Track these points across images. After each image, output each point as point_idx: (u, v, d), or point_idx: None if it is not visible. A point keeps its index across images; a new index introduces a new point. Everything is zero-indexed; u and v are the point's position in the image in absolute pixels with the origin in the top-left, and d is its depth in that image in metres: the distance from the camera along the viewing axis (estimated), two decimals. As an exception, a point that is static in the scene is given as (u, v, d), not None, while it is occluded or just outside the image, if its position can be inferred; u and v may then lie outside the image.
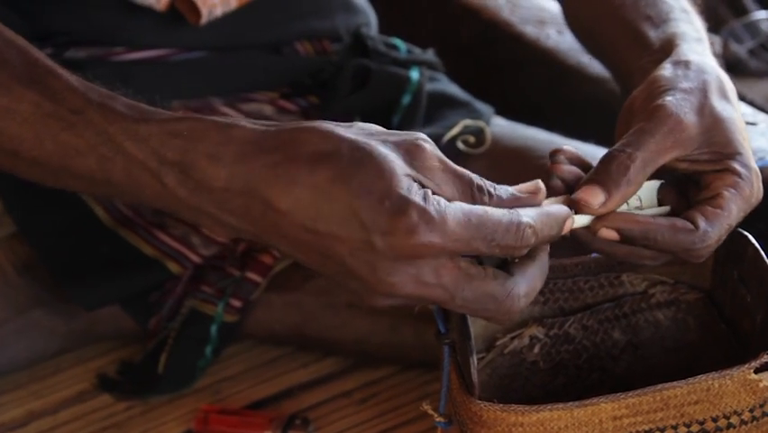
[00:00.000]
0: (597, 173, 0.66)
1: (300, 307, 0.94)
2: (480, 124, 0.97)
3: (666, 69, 0.72)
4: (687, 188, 0.70)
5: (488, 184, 0.62)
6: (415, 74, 0.99)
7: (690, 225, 0.66)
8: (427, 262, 0.58)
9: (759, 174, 0.70)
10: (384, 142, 0.60)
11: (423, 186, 0.59)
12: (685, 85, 0.70)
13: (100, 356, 0.97)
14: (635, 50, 0.78)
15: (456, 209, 0.59)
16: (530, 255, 0.62)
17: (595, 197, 0.65)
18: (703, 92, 0.70)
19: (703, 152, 0.69)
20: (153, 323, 0.94)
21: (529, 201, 0.62)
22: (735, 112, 0.71)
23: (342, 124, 0.61)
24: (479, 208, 0.60)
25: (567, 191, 0.67)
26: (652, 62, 0.73)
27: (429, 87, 1.00)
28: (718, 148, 0.69)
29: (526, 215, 0.61)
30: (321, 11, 0.99)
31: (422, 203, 0.58)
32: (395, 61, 1.00)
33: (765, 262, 0.68)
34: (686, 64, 0.72)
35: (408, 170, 0.59)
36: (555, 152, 0.69)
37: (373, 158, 0.59)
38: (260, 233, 0.61)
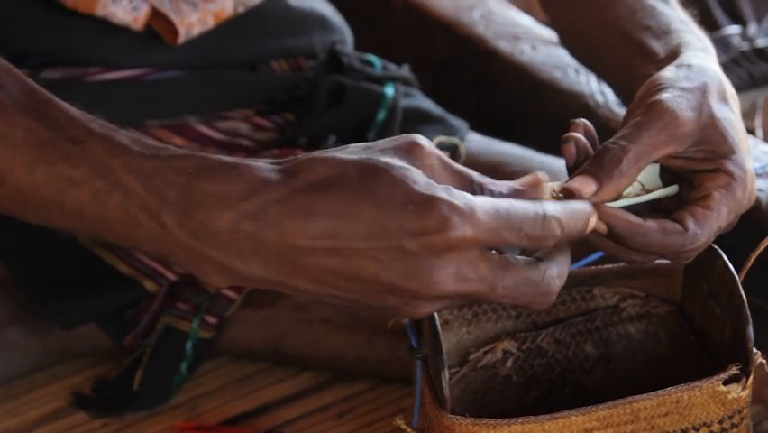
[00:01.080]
0: (590, 164, 0.66)
1: (275, 323, 0.94)
2: (455, 139, 0.98)
3: (667, 71, 0.72)
4: (680, 186, 0.70)
5: (487, 180, 0.62)
6: (389, 90, 0.99)
7: (679, 228, 0.66)
8: (463, 257, 0.58)
9: (754, 177, 0.71)
10: (383, 151, 0.59)
11: None
12: (684, 84, 0.70)
13: (75, 374, 0.96)
14: (637, 59, 0.78)
15: (483, 201, 0.59)
16: (552, 248, 0.62)
17: (587, 186, 0.65)
18: (702, 91, 0.70)
19: (698, 149, 0.69)
20: (129, 340, 0.94)
21: (530, 195, 0.62)
22: (733, 114, 0.71)
23: (336, 148, 0.60)
24: (503, 201, 0.60)
25: (575, 164, 0.68)
26: (656, 70, 0.74)
27: (404, 102, 1.00)
28: (714, 147, 0.69)
29: (551, 207, 0.61)
30: (297, 29, 1.00)
31: (448, 197, 0.57)
32: (370, 78, 1.00)
33: (734, 276, 0.68)
34: (688, 67, 0.73)
35: (419, 171, 0.59)
36: (575, 124, 0.69)
37: (382, 169, 0.58)
38: (274, 274, 0.58)
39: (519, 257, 0.61)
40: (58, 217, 0.62)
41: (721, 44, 1.42)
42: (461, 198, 0.58)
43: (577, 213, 0.62)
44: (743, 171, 0.69)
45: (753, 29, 1.47)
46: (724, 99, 0.71)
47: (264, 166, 0.59)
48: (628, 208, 0.67)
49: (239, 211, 0.58)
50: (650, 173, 0.69)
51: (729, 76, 1.40)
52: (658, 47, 0.78)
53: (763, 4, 1.51)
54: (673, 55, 0.76)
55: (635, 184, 0.68)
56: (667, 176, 0.70)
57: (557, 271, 0.62)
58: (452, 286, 0.58)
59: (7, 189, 0.61)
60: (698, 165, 0.69)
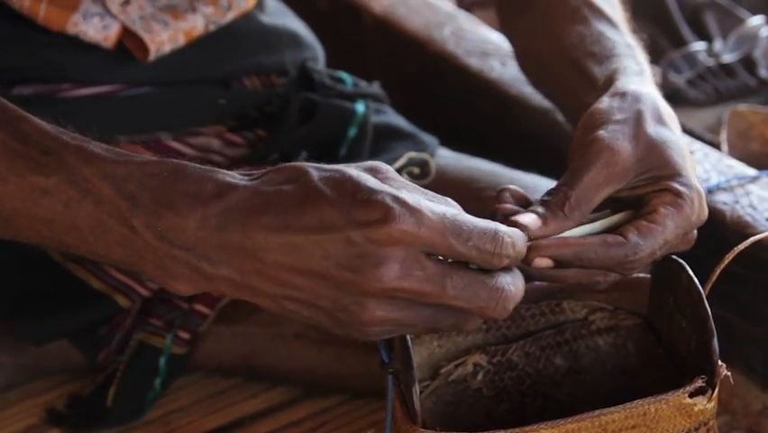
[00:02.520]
0: (539, 206, 0.68)
1: (248, 338, 0.95)
2: (425, 155, 0.99)
3: (602, 103, 0.74)
4: (630, 209, 0.71)
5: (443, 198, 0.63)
6: (360, 107, 1.00)
7: (620, 239, 0.68)
8: (408, 253, 0.59)
9: (702, 194, 0.71)
10: (347, 165, 0.62)
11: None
12: (619, 116, 0.72)
13: (48, 390, 0.96)
14: (582, 87, 0.80)
15: (434, 205, 0.60)
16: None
17: (533, 223, 0.67)
18: (637, 120, 0.71)
19: (641, 178, 0.70)
20: (102, 356, 0.94)
21: None
22: (672, 135, 0.72)
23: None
24: (453, 209, 0.61)
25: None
26: (596, 98, 0.75)
27: (375, 119, 1.01)
28: (656, 172, 0.70)
29: (502, 226, 0.62)
30: (269, 47, 1.01)
31: (396, 192, 0.59)
32: (341, 95, 1.01)
33: (699, 289, 0.69)
34: (622, 95, 0.74)
35: (376, 179, 0.61)
36: (503, 191, 0.71)
37: (340, 170, 0.61)
38: (237, 274, 0.60)
39: (470, 265, 0.62)
40: (27, 229, 0.63)
41: (687, 60, 1.43)
42: (412, 195, 0.59)
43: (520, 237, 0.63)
44: (689, 189, 0.70)
45: (718, 45, 1.49)
46: (661, 121, 0.72)
47: (235, 174, 0.62)
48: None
49: (207, 210, 0.60)
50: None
51: (695, 91, 1.42)
52: (598, 73, 0.80)
53: (728, 21, 1.53)
54: (609, 81, 0.77)
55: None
56: (616, 205, 0.71)
57: (510, 279, 0.62)
58: (396, 280, 0.59)
59: None
60: (644, 190, 0.70)
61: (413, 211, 0.59)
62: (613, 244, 0.68)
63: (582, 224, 0.69)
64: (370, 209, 0.59)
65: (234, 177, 0.62)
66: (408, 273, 0.59)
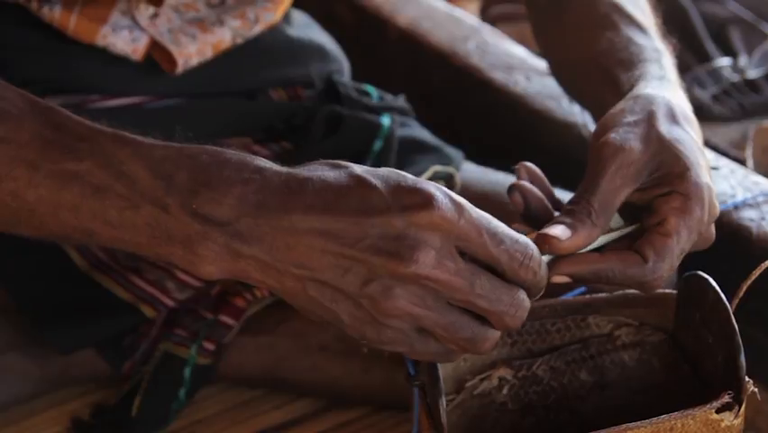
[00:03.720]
0: (563, 216, 0.68)
1: (273, 349, 0.95)
2: (450, 169, 0.99)
3: (615, 108, 0.74)
4: (640, 213, 0.71)
5: None
6: (386, 120, 1.01)
7: (639, 259, 0.68)
8: (445, 244, 0.60)
9: (712, 188, 0.71)
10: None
11: None
12: (630, 118, 0.72)
13: (74, 399, 0.97)
14: (608, 93, 0.80)
15: (469, 204, 0.61)
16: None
17: (563, 233, 0.67)
18: (648, 121, 0.72)
19: (652, 177, 0.70)
20: (127, 366, 0.95)
21: None
22: (685, 133, 0.72)
23: None
24: (489, 215, 0.62)
25: (527, 211, 0.71)
26: None
27: (400, 132, 1.01)
28: (667, 169, 0.70)
29: (530, 241, 0.64)
30: (296, 59, 1.01)
31: (437, 184, 0.61)
32: (366, 108, 1.01)
33: (726, 305, 0.69)
34: (635, 99, 0.74)
35: None
36: (519, 168, 0.73)
37: (384, 169, 0.62)
38: (267, 254, 0.61)
39: None
40: (51, 217, 0.64)
41: (712, 76, 1.43)
42: (454, 193, 0.61)
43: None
44: (698, 187, 0.70)
45: (743, 60, 1.49)
46: (674, 121, 0.73)
47: (276, 164, 0.63)
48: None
49: (246, 188, 0.61)
50: None
51: (720, 107, 1.42)
52: (625, 79, 0.80)
53: (753, 37, 1.52)
54: (632, 88, 0.77)
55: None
56: (626, 210, 0.71)
57: (525, 296, 0.63)
58: (430, 268, 0.60)
59: (2, 194, 0.63)
60: (654, 192, 0.70)
61: (455, 202, 0.60)
62: (631, 264, 0.68)
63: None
64: (415, 194, 0.60)
65: (274, 165, 0.63)
66: (442, 263, 0.60)
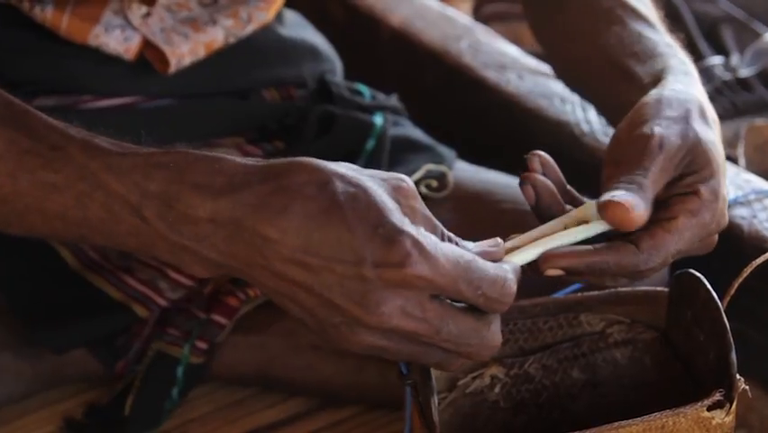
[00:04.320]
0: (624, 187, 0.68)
1: (266, 349, 0.95)
2: (443, 168, 0.99)
3: (651, 98, 0.74)
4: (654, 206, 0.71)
5: (453, 237, 0.64)
6: (378, 119, 1.01)
7: (633, 249, 0.68)
8: (414, 295, 0.59)
9: (726, 200, 0.72)
10: (372, 177, 0.62)
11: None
12: (669, 113, 0.72)
13: (67, 399, 0.97)
14: (623, 85, 0.80)
15: (447, 247, 0.60)
16: None
17: (634, 205, 0.66)
18: (686, 118, 0.72)
19: (681, 173, 0.71)
20: (120, 365, 0.94)
21: (491, 256, 0.64)
22: (715, 137, 0.73)
23: (329, 161, 0.62)
24: (468, 253, 0.61)
25: (538, 205, 0.70)
26: (640, 96, 0.75)
27: (393, 131, 1.01)
28: (696, 169, 0.70)
29: (510, 271, 0.63)
30: (288, 59, 1.01)
31: (416, 235, 0.59)
32: (359, 107, 1.01)
33: (717, 303, 0.70)
34: (670, 92, 0.74)
35: (398, 206, 0.61)
36: (532, 156, 0.71)
37: (366, 190, 0.60)
38: (244, 267, 0.61)
39: (466, 307, 0.62)
40: (41, 223, 0.64)
41: (705, 74, 1.43)
42: (429, 239, 0.60)
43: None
44: (715, 196, 0.70)
45: (735, 59, 1.49)
46: (706, 123, 0.73)
47: (248, 162, 0.62)
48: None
49: (218, 204, 0.60)
50: (589, 208, 0.70)
51: (713, 104, 1.42)
52: (642, 72, 0.80)
53: (745, 35, 1.53)
54: (657, 80, 0.77)
55: (561, 223, 0.69)
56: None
57: (497, 327, 0.64)
58: (395, 320, 0.60)
59: None
60: (675, 189, 0.71)
61: (429, 258, 0.59)
62: (624, 253, 0.68)
63: (568, 226, 0.69)
64: (390, 251, 0.59)
65: (247, 167, 0.62)
66: (408, 315, 0.60)
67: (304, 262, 0.60)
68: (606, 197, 0.67)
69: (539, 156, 0.71)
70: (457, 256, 0.60)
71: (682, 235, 0.69)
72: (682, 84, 0.75)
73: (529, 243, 0.67)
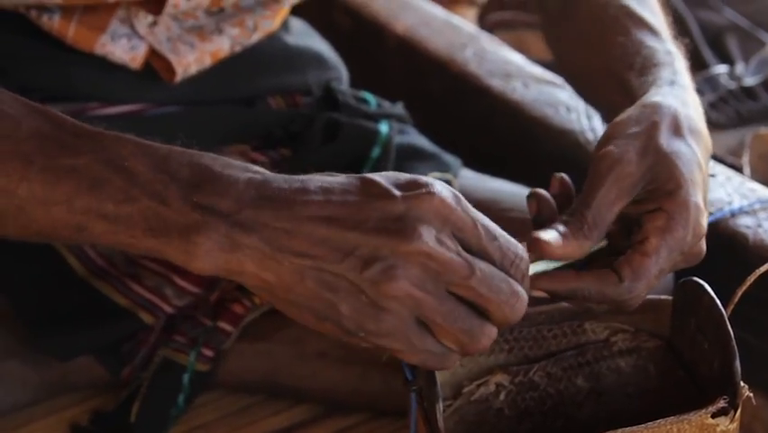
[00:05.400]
0: (558, 226, 0.69)
1: (271, 356, 0.95)
2: (448, 176, 1.00)
3: (621, 116, 0.74)
4: (630, 224, 0.72)
5: None
6: (384, 127, 1.01)
7: (615, 279, 0.69)
8: (444, 227, 0.61)
9: (700, 209, 0.71)
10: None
11: None
12: (632, 129, 0.72)
13: (73, 406, 0.97)
14: (620, 98, 0.80)
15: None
16: None
17: (554, 240, 0.68)
18: (649, 133, 0.72)
19: (646, 190, 0.71)
20: (126, 372, 0.95)
21: None
22: (686, 147, 0.72)
23: (334, 170, 0.66)
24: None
25: (537, 218, 0.72)
26: None
27: (398, 139, 1.02)
28: (659, 183, 0.70)
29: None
30: (294, 67, 1.02)
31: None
32: (365, 115, 1.02)
33: (721, 311, 0.70)
34: (642, 107, 0.74)
35: None
36: (554, 179, 0.74)
37: (376, 172, 0.64)
38: (267, 245, 0.61)
39: None
40: (40, 215, 0.64)
41: (709, 83, 1.44)
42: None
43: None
44: (684, 208, 0.70)
45: (740, 68, 1.49)
46: (678, 134, 0.72)
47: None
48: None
49: (248, 185, 0.62)
50: None
51: (717, 114, 1.43)
52: (638, 85, 0.80)
53: (749, 44, 1.53)
54: (645, 93, 0.77)
55: None
56: (623, 222, 0.71)
57: (523, 289, 0.64)
58: (432, 244, 0.60)
59: None
60: (644, 206, 0.71)
61: (453, 192, 0.62)
62: (607, 283, 0.69)
63: None
64: (416, 183, 0.62)
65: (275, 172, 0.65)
66: (443, 242, 0.61)
67: (335, 212, 0.61)
68: (533, 234, 0.68)
69: (561, 179, 0.74)
70: (475, 210, 0.63)
71: (659, 255, 0.69)
72: (661, 96, 0.75)
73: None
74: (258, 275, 0.62)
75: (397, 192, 0.61)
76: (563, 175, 0.75)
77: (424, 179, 0.62)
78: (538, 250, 0.67)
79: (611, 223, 0.70)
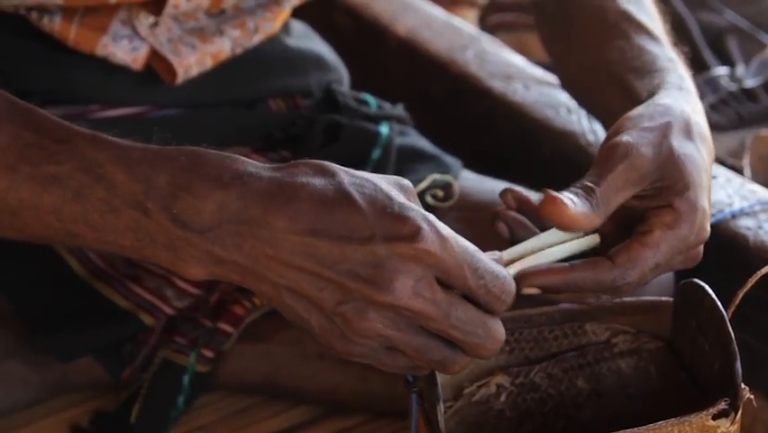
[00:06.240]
0: (568, 194, 0.68)
1: (271, 357, 0.95)
2: (449, 177, 1.00)
3: (633, 112, 0.74)
4: (632, 220, 0.71)
5: None
6: (384, 129, 1.01)
7: (608, 264, 0.68)
8: (424, 274, 0.60)
9: (706, 213, 0.71)
10: (374, 175, 0.63)
11: None
12: (646, 124, 0.72)
13: (73, 407, 0.97)
14: (621, 101, 0.80)
15: (458, 236, 0.62)
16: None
17: (570, 203, 0.67)
18: (663, 132, 0.72)
19: (654, 187, 0.71)
20: (126, 373, 0.95)
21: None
22: (696, 151, 0.72)
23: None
24: (473, 246, 0.62)
25: (511, 237, 0.71)
26: None
27: (398, 141, 1.02)
28: (669, 183, 0.70)
29: (510, 277, 0.64)
30: (294, 69, 1.02)
31: (425, 213, 0.61)
32: (365, 117, 1.02)
33: (722, 313, 0.70)
34: (654, 106, 0.74)
35: (404, 195, 0.62)
36: (505, 192, 0.73)
37: (371, 179, 0.62)
38: (247, 261, 0.61)
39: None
40: (33, 219, 0.64)
41: (710, 85, 1.44)
42: (439, 222, 0.61)
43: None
44: (692, 208, 0.70)
45: (741, 70, 1.49)
46: (689, 137, 0.73)
47: (256, 162, 0.63)
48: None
49: (227, 193, 0.60)
50: None
51: (718, 116, 1.43)
52: (641, 88, 0.80)
53: (750, 46, 1.53)
54: (652, 95, 0.77)
55: (556, 235, 0.70)
56: (620, 214, 0.71)
57: (501, 326, 0.64)
58: (406, 298, 0.60)
59: None
60: (651, 202, 0.71)
61: (440, 235, 0.60)
62: (600, 269, 0.68)
63: (553, 244, 0.69)
64: (401, 224, 0.60)
65: (256, 165, 0.62)
66: (418, 293, 0.60)
67: (313, 247, 0.60)
68: (551, 193, 0.67)
69: (512, 192, 0.73)
70: (464, 243, 0.62)
71: (659, 249, 0.69)
72: (672, 99, 0.75)
73: (525, 254, 0.68)
74: (242, 283, 0.63)
75: (379, 234, 0.60)
76: (513, 188, 0.74)
77: (411, 217, 0.60)
78: (555, 210, 0.66)
79: (612, 210, 0.69)
